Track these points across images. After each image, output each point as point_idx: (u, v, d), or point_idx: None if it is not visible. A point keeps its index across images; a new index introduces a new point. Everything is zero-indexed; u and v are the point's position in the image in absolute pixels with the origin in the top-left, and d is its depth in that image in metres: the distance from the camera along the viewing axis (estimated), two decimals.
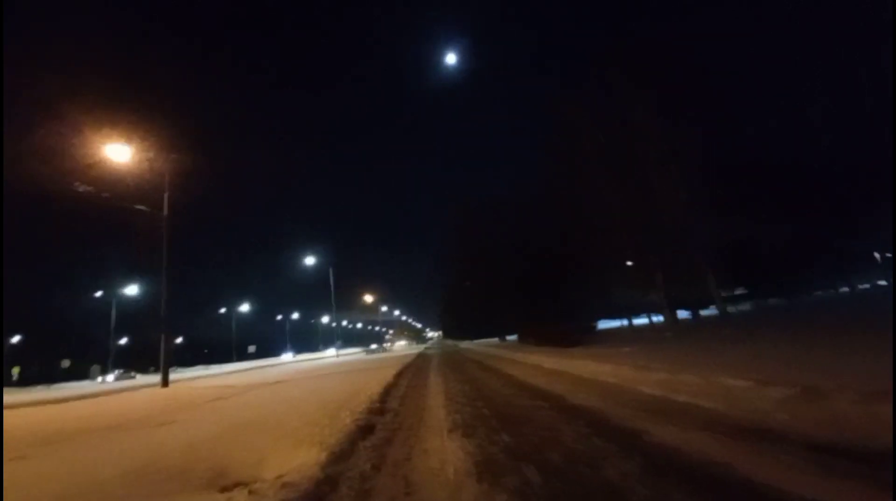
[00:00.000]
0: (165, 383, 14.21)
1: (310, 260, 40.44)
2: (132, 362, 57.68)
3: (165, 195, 15.55)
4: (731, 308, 24.34)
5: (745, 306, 28.28)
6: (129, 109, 16.62)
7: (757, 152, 14.27)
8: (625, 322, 41.73)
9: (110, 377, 43.33)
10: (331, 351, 64.05)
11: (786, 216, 15.66)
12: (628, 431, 3.76)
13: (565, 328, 17.79)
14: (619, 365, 6.88)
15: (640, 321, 34.61)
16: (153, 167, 15.68)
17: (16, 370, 52.20)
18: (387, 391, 7.83)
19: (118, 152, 14.68)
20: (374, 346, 65.96)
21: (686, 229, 13.48)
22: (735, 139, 13.95)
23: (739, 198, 14.21)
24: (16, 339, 62.15)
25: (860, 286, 27.76)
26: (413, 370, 14.08)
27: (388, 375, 11.28)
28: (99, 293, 52.75)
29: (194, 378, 22.47)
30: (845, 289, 26.95)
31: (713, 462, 2.79)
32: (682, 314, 33.95)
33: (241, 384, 14.00)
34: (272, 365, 36.09)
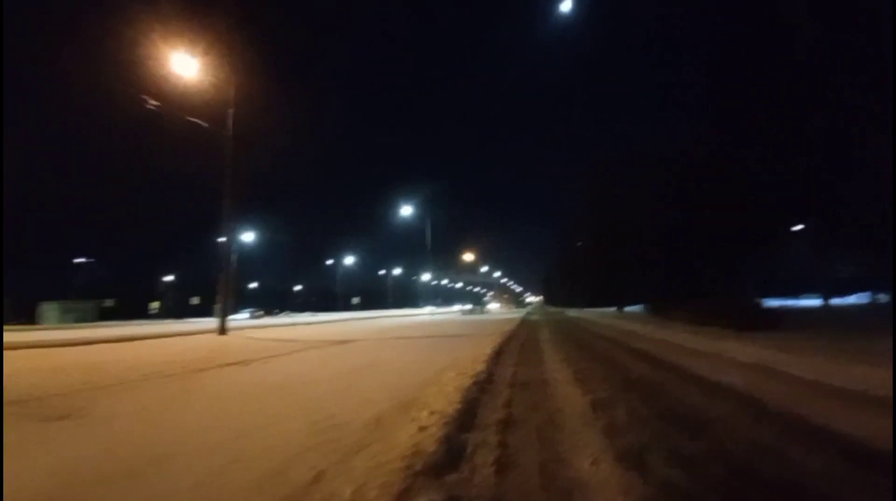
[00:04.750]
0: (223, 330, 12.18)
1: (407, 211, 38.24)
2: (260, 303, 65.90)
3: (230, 111, 13.18)
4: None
5: None
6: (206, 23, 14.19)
7: None
8: (786, 302, 32.79)
9: (243, 315, 48.50)
10: (428, 309, 63.40)
11: None
12: None
13: (744, 304, 12.06)
14: None
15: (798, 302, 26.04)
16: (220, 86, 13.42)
17: (155, 305, 60.39)
18: (474, 400, 3.88)
19: (188, 66, 12.66)
20: (472, 306, 63.51)
21: None
22: None
23: None
24: (169, 277, 72.41)
25: None
26: (518, 346, 10.01)
27: (480, 353, 7.45)
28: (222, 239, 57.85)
29: (280, 325, 21.36)
30: None
31: None
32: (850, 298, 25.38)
33: (306, 340, 11.60)
34: (385, 317, 35.97)
